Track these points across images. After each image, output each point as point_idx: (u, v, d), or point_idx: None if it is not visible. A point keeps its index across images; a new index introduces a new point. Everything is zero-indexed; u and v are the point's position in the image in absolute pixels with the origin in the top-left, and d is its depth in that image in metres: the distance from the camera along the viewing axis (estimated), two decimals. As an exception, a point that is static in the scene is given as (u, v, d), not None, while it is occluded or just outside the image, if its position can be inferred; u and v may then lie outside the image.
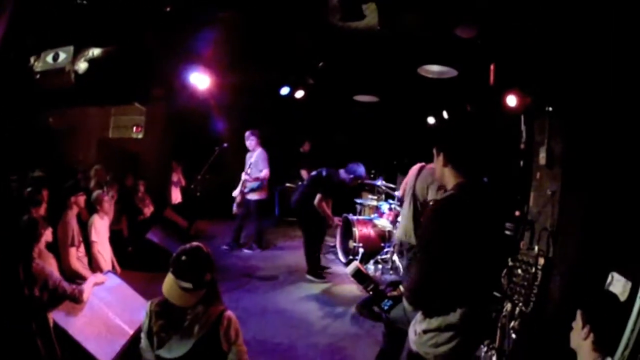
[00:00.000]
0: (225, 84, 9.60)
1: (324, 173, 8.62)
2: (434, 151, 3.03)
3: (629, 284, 4.00)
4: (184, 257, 3.06)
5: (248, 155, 10.25)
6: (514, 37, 5.72)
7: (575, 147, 5.35)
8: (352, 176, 8.51)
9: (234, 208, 10.19)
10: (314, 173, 8.95)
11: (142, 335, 3.14)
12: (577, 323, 2.82)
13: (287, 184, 13.32)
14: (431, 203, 3.71)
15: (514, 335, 5.13)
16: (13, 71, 6.61)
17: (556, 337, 2.86)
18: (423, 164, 6.33)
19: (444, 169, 2.95)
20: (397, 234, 6.88)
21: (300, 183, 12.04)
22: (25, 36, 6.23)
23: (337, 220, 9.01)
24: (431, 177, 6.19)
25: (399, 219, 7.29)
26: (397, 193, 9.25)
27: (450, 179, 2.93)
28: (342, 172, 8.60)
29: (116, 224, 7.89)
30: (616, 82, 4.78)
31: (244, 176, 9.96)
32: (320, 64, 9.24)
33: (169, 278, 3.05)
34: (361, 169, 8.59)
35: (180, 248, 3.16)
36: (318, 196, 8.36)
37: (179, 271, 3.01)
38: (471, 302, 2.83)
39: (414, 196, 6.25)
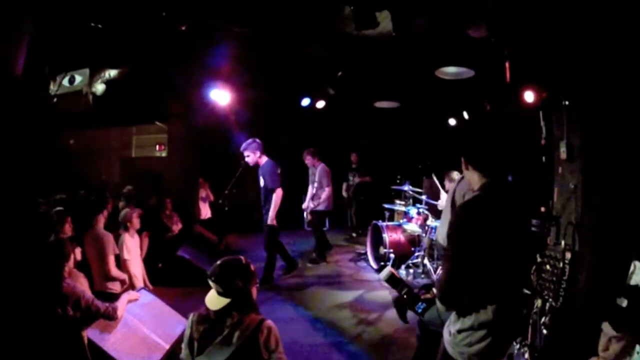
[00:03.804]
0: (245, 98, 9.70)
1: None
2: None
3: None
4: (219, 263, 3.25)
5: (311, 171, 10.49)
6: (527, 33, 5.73)
7: (594, 139, 5.34)
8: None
9: (305, 225, 10.45)
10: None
11: (183, 345, 3.23)
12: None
13: None
14: None
15: (545, 331, 5.12)
16: (34, 96, 6.76)
17: (586, 330, 2.87)
18: None
19: (468, 172, 3.12)
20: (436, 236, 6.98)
21: None
22: (44, 61, 6.35)
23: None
24: (467, 186, 6.25)
25: (438, 222, 7.36)
26: (424, 197, 9.29)
27: (475, 181, 3.07)
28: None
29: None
30: (630, 72, 4.76)
31: (310, 191, 10.37)
32: (339, 74, 9.30)
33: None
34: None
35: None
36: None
37: (212, 274, 3.19)
38: (502, 299, 2.89)
39: (454, 202, 6.33)
